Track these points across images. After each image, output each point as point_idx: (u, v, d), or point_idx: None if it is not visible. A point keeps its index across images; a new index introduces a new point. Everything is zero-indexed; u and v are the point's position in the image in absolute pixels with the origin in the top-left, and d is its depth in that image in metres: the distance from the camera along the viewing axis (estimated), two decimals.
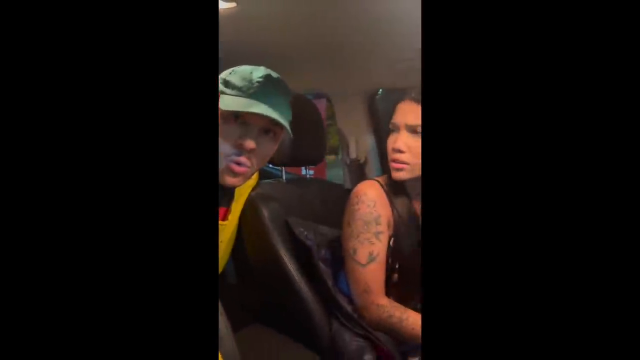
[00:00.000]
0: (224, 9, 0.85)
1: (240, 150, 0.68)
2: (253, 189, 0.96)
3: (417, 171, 0.80)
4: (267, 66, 0.73)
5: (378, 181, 0.89)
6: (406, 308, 0.78)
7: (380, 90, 1.29)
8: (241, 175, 0.70)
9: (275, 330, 0.82)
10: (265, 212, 0.90)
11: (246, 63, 0.76)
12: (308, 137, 1.01)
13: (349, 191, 1.37)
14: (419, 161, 0.79)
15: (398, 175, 0.81)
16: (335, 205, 1.20)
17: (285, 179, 1.10)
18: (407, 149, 0.79)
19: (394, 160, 0.80)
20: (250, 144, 0.67)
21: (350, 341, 0.78)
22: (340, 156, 1.41)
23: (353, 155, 1.33)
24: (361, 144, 1.33)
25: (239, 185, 0.74)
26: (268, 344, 0.77)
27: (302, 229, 0.95)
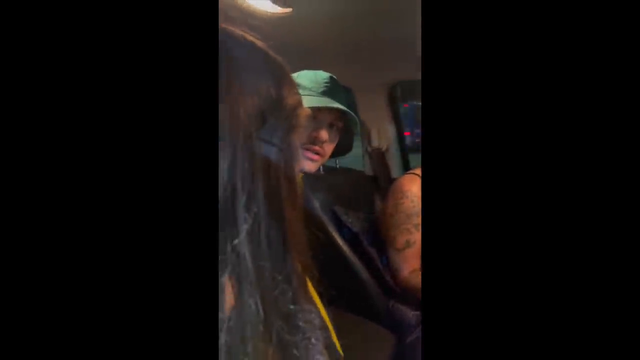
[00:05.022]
0: (276, 12, 0.89)
1: (315, 141, 0.77)
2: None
3: None
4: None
5: (417, 174, 0.98)
6: None
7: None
8: (316, 162, 0.79)
9: (340, 310, 0.91)
10: (316, 204, 0.98)
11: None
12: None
13: (371, 177, 1.47)
14: None
15: None
16: (361, 191, 1.28)
17: (323, 170, 1.17)
18: None
19: None
20: (324, 134, 0.77)
21: (407, 313, 0.89)
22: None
23: (375, 143, 1.41)
24: (382, 133, 1.41)
25: (314, 171, 0.83)
26: (338, 323, 0.86)
27: (346, 217, 1.04)
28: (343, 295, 0.96)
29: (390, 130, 1.40)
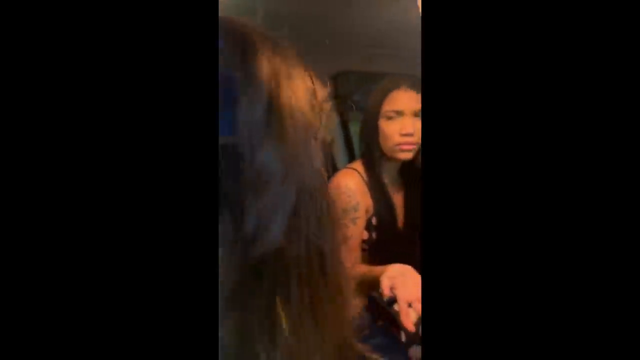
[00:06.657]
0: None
1: None
2: None
3: (418, 151, 0.92)
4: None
5: (355, 169, 0.97)
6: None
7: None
8: None
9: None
10: None
11: None
12: None
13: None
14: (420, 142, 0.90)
15: (406, 156, 0.91)
16: None
17: None
18: (415, 132, 0.89)
19: (405, 143, 0.89)
20: None
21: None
22: None
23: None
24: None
25: None
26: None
27: None
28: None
29: (335, 122, 1.38)
